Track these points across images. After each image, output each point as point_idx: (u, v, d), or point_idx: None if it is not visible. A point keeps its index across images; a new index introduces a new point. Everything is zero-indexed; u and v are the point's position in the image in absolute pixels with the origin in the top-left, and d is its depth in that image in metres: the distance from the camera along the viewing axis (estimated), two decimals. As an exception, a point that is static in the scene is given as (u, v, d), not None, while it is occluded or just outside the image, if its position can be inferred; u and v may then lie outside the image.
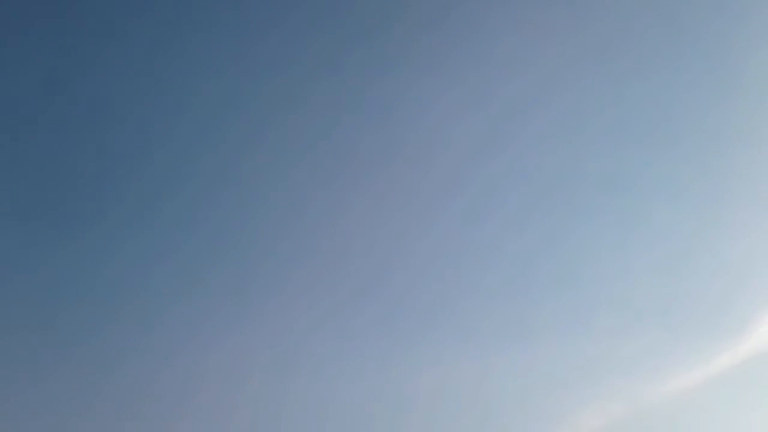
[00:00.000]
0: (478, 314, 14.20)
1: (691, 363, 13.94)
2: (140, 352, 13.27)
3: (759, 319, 14.01)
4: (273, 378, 13.56)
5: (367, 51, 14.72)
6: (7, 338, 12.79)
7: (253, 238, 14.26)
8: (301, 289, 14.15)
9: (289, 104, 14.51)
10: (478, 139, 14.91)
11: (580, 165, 14.83)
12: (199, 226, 14.11)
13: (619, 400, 13.81)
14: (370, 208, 14.64)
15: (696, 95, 15.01)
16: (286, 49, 14.58)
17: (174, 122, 14.31)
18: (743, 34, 14.87)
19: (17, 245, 13.33)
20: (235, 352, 13.45)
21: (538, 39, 14.92)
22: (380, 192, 14.72)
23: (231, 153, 14.40)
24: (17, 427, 12.21)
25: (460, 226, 14.68)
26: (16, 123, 13.64)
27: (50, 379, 12.85)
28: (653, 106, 14.99)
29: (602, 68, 14.86)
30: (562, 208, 14.83)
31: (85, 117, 14.00)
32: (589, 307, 14.32)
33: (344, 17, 14.72)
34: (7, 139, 13.55)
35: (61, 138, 13.90)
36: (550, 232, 14.76)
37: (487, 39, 14.99)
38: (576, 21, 14.89)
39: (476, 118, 14.88)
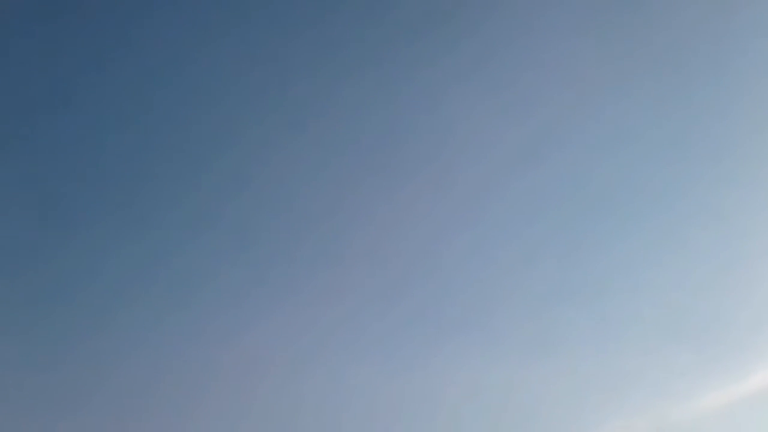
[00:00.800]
0: (504, 324, 14.24)
1: (720, 383, 13.78)
2: (149, 353, 13.26)
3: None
4: (286, 381, 13.65)
5: (401, 54, 14.72)
6: (8, 338, 12.86)
7: (270, 239, 14.30)
8: (321, 291, 14.21)
9: (309, 107, 14.52)
10: (515, 149, 14.87)
11: (615, 180, 14.80)
12: (215, 226, 14.12)
13: (644, 418, 13.69)
14: (397, 214, 14.68)
15: (739, 116, 14.86)
16: (315, 50, 14.61)
17: (189, 122, 14.32)
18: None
19: (22, 244, 13.41)
20: (248, 354, 13.48)
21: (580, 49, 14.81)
22: (408, 197, 14.74)
23: (251, 153, 14.45)
24: (18, 428, 12.23)
25: (491, 235, 14.71)
26: (19, 121, 13.72)
27: (52, 380, 12.88)
28: (696, 125, 14.89)
29: (646, 85, 14.74)
30: (597, 222, 14.79)
31: (92, 116, 14.06)
32: (618, 323, 14.26)
33: (380, 19, 14.74)
34: (9, 138, 13.62)
35: (65, 137, 13.98)
36: (584, 245, 14.70)
37: (529, 44, 14.94)
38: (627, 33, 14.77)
39: (514, 128, 14.87)
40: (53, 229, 13.59)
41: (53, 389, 12.81)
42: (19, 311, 13.11)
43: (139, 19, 14.12)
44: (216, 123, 14.29)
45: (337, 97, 14.52)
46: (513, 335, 14.09)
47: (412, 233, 14.62)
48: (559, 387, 13.75)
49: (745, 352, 13.88)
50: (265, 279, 14.09)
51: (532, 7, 14.72)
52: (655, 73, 14.85)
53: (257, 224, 14.30)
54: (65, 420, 12.52)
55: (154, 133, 14.23)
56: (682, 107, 14.85)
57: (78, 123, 14.00)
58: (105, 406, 12.83)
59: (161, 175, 14.17)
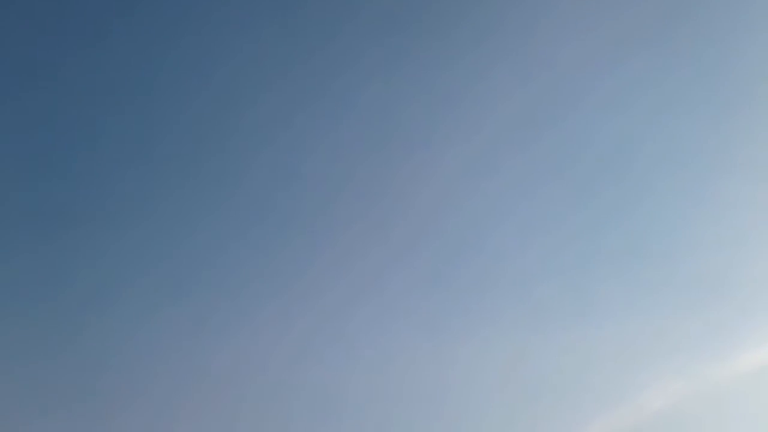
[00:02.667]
0: (538, 291, 14.01)
1: (758, 341, 13.55)
2: (139, 352, 13.11)
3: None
4: (282, 373, 13.46)
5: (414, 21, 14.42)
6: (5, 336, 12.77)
7: (257, 236, 14.07)
8: (322, 274, 14.01)
9: (301, 102, 14.28)
10: (530, 109, 14.53)
11: (643, 142, 14.49)
12: (201, 225, 13.94)
13: (682, 379, 13.54)
14: (415, 170, 14.40)
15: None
16: (339, 53, 14.40)
17: (184, 118, 14.17)
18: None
19: (19, 243, 13.28)
20: (240, 352, 13.33)
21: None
22: (419, 157, 14.44)
23: (241, 150, 14.24)
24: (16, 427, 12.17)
25: (520, 196, 14.43)
26: (12, 118, 13.58)
27: (46, 377, 12.78)
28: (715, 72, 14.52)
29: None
30: (629, 181, 14.46)
31: (84, 110, 13.86)
32: (652, 284, 14.00)
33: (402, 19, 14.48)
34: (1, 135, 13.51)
35: (54, 133, 13.81)
36: (615, 206, 14.42)
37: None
38: None
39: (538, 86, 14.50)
40: (46, 225, 13.53)
41: (50, 385, 12.77)
42: (14, 308, 13.08)
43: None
44: (209, 119, 14.18)
45: (323, 95, 14.34)
46: (545, 302, 13.90)
47: (430, 192, 14.38)
48: (595, 353, 13.57)
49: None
50: (263, 268, 13.98)
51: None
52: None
53: (240, 226, 14.14)
54: (65, 417, 12.50)
55: (148, 125, 14.14)
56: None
57: (64, 117, 13.91)
58: (98, 403, 12.74)
59: (155, 167, 14.05)
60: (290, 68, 14.16)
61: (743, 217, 14.13)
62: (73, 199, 13.62)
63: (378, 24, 14.26)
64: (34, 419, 12.26)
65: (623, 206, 14.38)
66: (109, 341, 13.10)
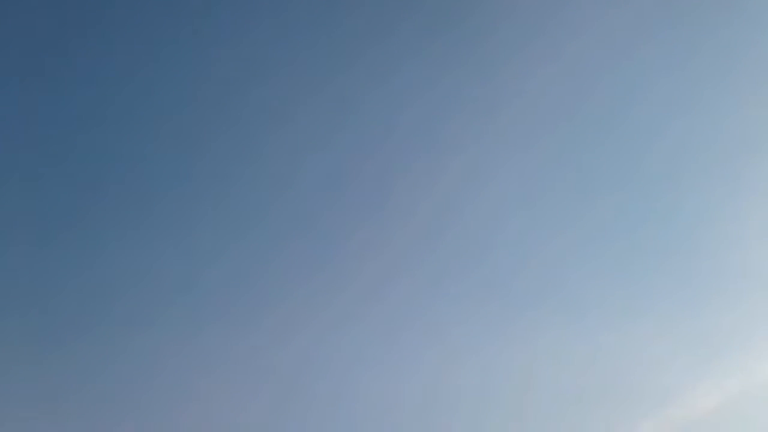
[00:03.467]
0: (587, 289, 13.75)
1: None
2: (142, 353, 12.92)
3: None
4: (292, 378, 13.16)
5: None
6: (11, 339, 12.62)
7: (256, 243, 13.78)
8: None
9: (300, 102, 13.98)
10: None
11: (700, 133, 14.15)
12: (200, 229, 13.71)
13: (734, 376, 13.26)
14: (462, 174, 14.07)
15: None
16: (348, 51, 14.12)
17: (180, 117, 13.87)
18: None
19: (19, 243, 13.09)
20: (241, 360, 13.09)
21: None
22: (459, 162, 14.13)
23: (242, 155, 13.96)
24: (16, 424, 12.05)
25: (569, 197, 14.12)
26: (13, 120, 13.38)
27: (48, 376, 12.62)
28: None
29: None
30: (681, 175, 14.17)
31: (83, 113, 13.69)
32: (702, 280, 13.73)
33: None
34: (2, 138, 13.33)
35: (55, 135, 13.60)
36: (667, 201, 14.09)
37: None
38: None
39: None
40: (46, 225, 13.33)
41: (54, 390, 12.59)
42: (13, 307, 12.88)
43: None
44: (205, 120, 13.91)
45: (320, 95, 14.00)
46: (594, 300, 13.63)
47: (441, 191, 14.01)
48: (645, 350, 13.31)
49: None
50: (263, 277, 13.68)
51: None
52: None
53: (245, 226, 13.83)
54: (64, 417, 12.33)
55: (151, 128, 13.88)
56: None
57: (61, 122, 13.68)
58: (97, 403, 12.55)
59: (156, 170, 13.78)
60: (287, 71, 13.97)
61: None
62: (72, 199, 13.46)
63: (378, 24, 14.02)
64: (33, 419, 12.11)
65: (676, 199, 14.09)
66: (107, 347, 12.87)
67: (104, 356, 12.74)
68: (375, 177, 13.94)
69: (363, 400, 12.92)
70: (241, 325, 13.17)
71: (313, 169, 13.90)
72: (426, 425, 12.75)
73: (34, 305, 12.80)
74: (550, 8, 14.13)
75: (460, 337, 13.40)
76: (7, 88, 13.25)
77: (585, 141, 14.30)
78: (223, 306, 13.30)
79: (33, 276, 12.92)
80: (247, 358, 12.98)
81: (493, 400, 13.06)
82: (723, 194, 14.07)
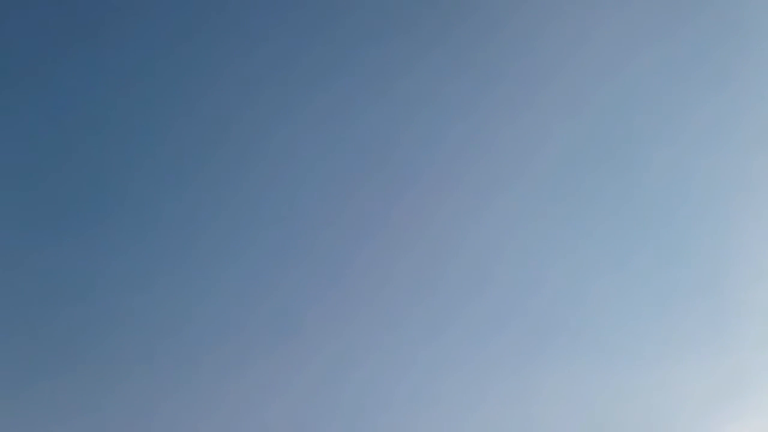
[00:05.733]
0: (612, 329, 13.14)
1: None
2: (150, 362, 12.62)
3: None
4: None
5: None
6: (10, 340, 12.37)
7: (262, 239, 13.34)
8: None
9: (298, 105, 13.70)
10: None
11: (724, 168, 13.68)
12: (208, 230, 13.27)
13: (759, 420, 12.66)
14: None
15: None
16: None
17: (179, 121, 13.56)
18: None
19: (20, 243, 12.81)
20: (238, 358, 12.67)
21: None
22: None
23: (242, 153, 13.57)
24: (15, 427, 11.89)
25: (581, 233, 13.50)
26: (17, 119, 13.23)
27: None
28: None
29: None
30: (704, 204, 13.66)
31: (77, 116, 13.41)
32: (730, 316, 13.20)
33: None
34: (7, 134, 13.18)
35: (53, 136, 13.33)
36: (692, 232, 13.59)
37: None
38: None
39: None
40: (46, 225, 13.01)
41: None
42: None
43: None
44: (206, 122, 13.55)
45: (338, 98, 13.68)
46: (620, 340, 13.05)
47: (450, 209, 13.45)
48: (673, 391, 12.78)
49: None
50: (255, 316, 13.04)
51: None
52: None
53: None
54: (64, 417, 12.07)
55: (148, 132, 13.51)
56: None
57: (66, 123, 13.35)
58: (95, 404, 12.23)
59: (153, 175, 13.37)
60: (289, 73, 13.67)
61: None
62: (70, 201, 13.13)
63: (381, 26, 13.77)
64: (33, 419, 11.94)
65: (702, 231, 13.60)
66: (115, 352, 12.52)
67: (101, 358, 12.45)
68: (375, 189, 13.53)
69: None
70: (234, 329, 12.77)
71: (313, 173, 13.53)
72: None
73: (31, 306, 12.54)
74: (553, 9, 13.92)
75: (468, 378, 12.81)
76: (7, 88, 13.14)
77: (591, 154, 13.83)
78: (218, 309, 12.88)
79: (30, 277, 12.68)
80: (239, 362, 12.63)
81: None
82: (748, 225, 13.58)
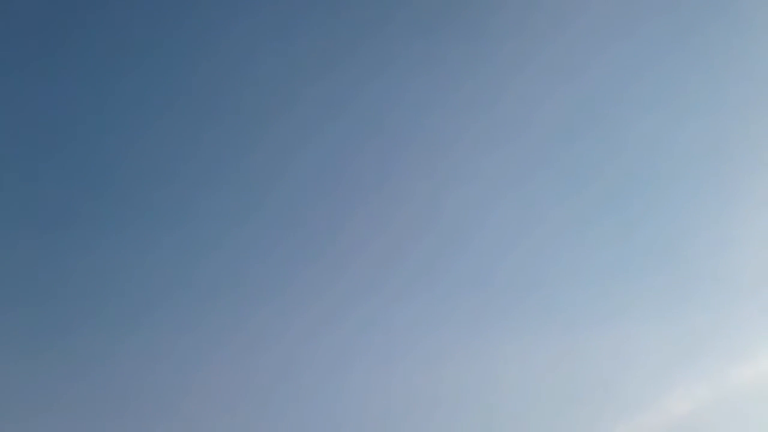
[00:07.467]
0: (558, 294, 13.65)
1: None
2: (132, 353, 12.81)
3: None
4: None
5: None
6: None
7: (249, 235, 13.68)
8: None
9: (291, 102, 13.92)
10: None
11: (675, 135, 14.04)
12: (191, 225, 13.58)
13: (707, 383, 13.24)
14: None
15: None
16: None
17: (172, 117, 13.79)
18: None
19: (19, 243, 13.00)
20: (234, 355, 12.99)
21: None
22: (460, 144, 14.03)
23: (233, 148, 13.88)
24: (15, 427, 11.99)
25: (539, 202, 13.98)
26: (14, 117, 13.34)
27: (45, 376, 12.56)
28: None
29: None
30: (653, 182, 14.11)
31: (75, 108, 13.60)
32: (672, 287, 13.65)
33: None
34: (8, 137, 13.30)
35: (48, 129, 13.52)
36: (639, 208, 14.02)
37: None
38: None
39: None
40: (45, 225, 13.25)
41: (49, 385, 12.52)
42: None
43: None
44: (197, 115, 13.81)
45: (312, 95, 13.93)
46: (566, 305, 13.53)
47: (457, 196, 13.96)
48: (617, 358, 13.26)
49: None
50: (256, 270, 13.56)
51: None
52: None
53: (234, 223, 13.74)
54: (63, 417, 12.28)
55: (142, 124, 13.76)
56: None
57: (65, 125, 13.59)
58: (95, 403, 12.48)
59: (146, 166, 13.68)
60: (280, 67, 13.90)
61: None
62: (64, 194, 13.34)
63: (371, 20, 13.99)
64: (32, 419, 12.07)
65: (647, 209, 14.00)
66: (100, 343, 12.73)
67: (94, 354, 12.65)
68: (364, 175, 13.92)
69: (344, 399, 12.88)
70: (227, 323, 13.11)
71: (304, 164, 13.85)
72: (406, 425, 12.73)
73: (27, 300, 12.75)
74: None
75: (437, 340, 13.34)
76: (7, 86, 13.22)
77: (575, 141, 14.28)
78: (210, 303, 13.21)
79: (25, 270, 12.87)
80: (231, 357, 12.93)
81: (464, 404, 12.97)
82: (705, 202, 14.07)
